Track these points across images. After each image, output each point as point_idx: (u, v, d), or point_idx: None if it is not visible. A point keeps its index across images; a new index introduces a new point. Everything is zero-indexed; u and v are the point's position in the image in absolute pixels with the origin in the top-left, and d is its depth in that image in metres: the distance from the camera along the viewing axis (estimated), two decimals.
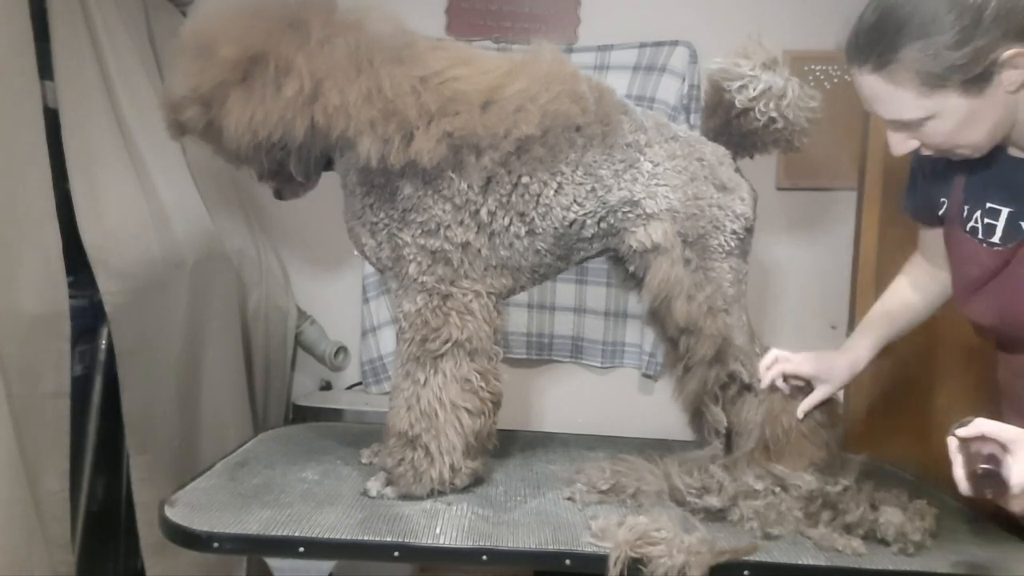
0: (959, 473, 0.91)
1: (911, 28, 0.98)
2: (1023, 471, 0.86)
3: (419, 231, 1.28)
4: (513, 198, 1.29)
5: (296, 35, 1.18)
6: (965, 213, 1.16)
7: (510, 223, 1.30)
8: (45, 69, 1.52)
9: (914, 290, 1.36)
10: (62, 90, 1.58)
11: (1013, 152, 1.10)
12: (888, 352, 2.11)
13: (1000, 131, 1.04)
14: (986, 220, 1.13)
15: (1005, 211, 1.10)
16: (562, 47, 2.18)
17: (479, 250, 1.30)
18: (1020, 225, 1.08)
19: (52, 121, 1.53)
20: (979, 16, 0.95)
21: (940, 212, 1.22)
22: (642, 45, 2.21)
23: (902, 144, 1.09)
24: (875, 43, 1.02)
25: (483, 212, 1.28)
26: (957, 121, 1.02)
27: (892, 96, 1.03)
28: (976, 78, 0.98)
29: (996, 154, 1.09)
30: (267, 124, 1.16)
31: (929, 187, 1.23)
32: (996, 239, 1.11)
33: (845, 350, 1.36)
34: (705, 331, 1.33)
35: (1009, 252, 1.09)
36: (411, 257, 1.29)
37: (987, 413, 0.93)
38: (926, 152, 1.10)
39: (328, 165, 1.36)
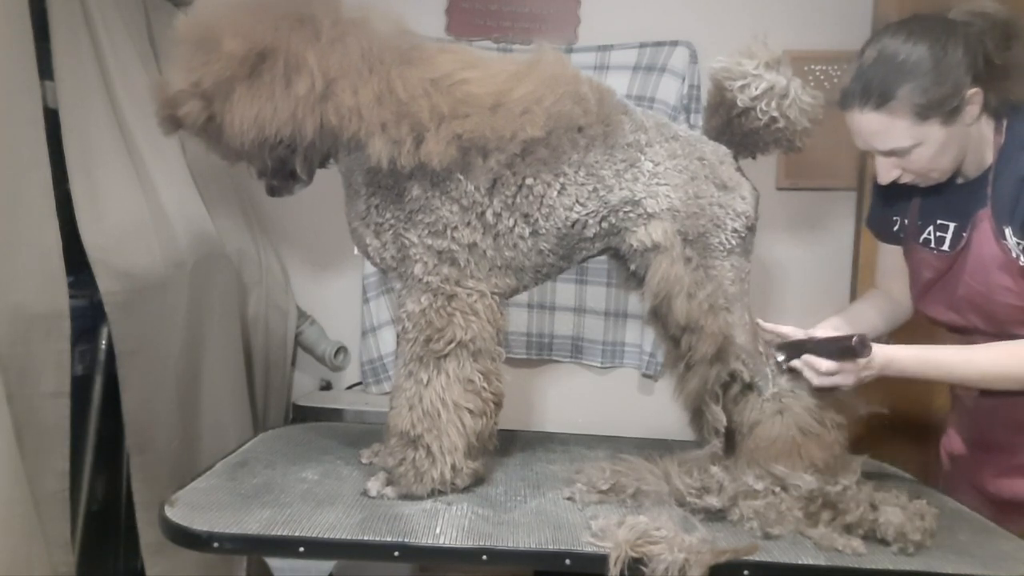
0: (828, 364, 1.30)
1: (903, 72, 1.24)
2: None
3: (426, 232, 1.28)
4: (518, 199, 1.29)
5: (305, 31, 1.16)
6: (920, 228, 1.43)
7: (515, 224, 1.30)
8: (45, 69, 1.52)
9: (875, 311, 1.56)
10: (62, 90, 1.57)
11: (959, 180, 1.37)
12: None
13: (959, 159, 1.32)
14: (937, 233, 1.40)
15: (952, 225, 1.37)
16: (562, 47, 2.19)
17: (485, 251, 1.30)
18: (963, 235, 1.35)
19: (52, 121, 1.53)
20: (950, 63, 1.24)
21: (895, 228, 1.50)
22: (642, 45, 2.21)
23: (890, 171, 1.34)
24: (874, 86, 1.26)
25: (489, 214, 1.28)
26: (936, 148, 1.28)
27: (889, 128, 1.27)
28: (953, 110, 1.25)
29: (946, 182, 1.36)
30: (275, 122, 1.15)
31: (885, 209, 1.51)
32: (946, 247, 1.38)
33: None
34: (706, 329, 1.32)
35: (953, 256, 1.36)
36: (417, 257, 1.29)
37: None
38: (906, 179, 1.35)
39: (323, 162, 1.36)
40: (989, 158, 1.32)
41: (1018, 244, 1.26)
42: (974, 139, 1.30)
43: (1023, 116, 1.30)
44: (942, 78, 1.23)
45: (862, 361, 1.28)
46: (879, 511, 1.19)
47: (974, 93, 1.25)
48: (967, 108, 1.26)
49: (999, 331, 1.33)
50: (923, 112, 1.25)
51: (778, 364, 1.38)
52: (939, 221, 1.40)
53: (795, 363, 1.35)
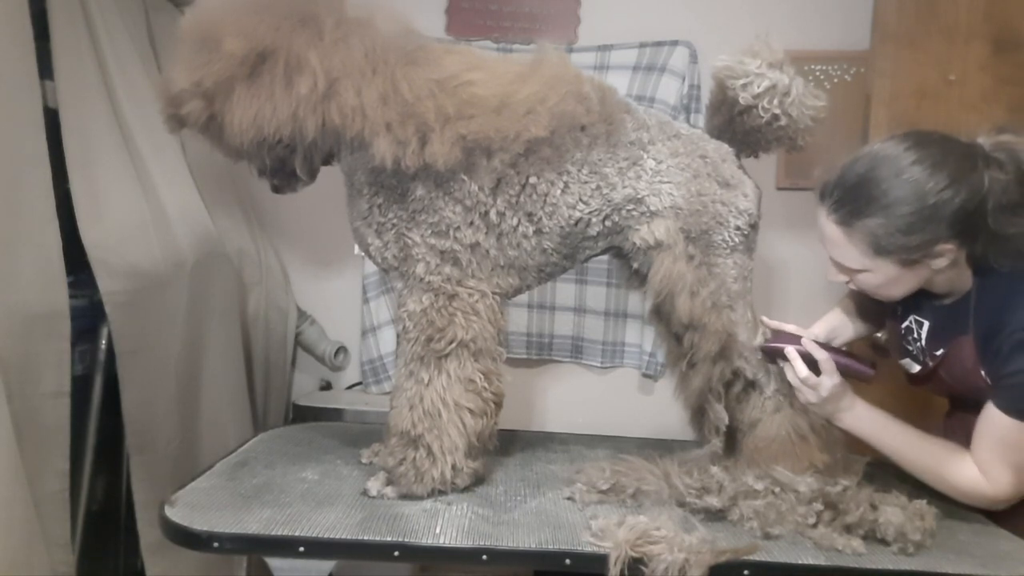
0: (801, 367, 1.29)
1: (877, 205, 1.16)
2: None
3: (429, 232, 1.28)
4: (521, 199, 1.29)
5: (307, 31, 1.17)
6: (900, 315, 1.40)
7: (518, 223, 1.30)
8: (45, 69, 1.52)
9: (858, 317, 1.53)
10: (62, 90, 1.57)
11: (936, 300, 1.32)
12: (887, 354, 2.12)
13: (915, 289, 1.26)
14: (913, 327, 1.37)
15: (927, 323, 1.35)
16: (562, 47, 2.18)
17: (488, 251, 1.30)
18: (937, 340, 1.32)
19: (52, 121, 1.53)
20: (932, 215, 1.14)
21: None
22: (642, 45, 2.21)
23: (838, 276, 1.30)
24: (846, 203, 1.20)
25: (492, 213, 1.28)
26: (885, 280, 1.23)
27: (843, 246, 1.23)
28: (916, 259, 1.18)
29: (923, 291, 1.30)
30: (275, 121, 1.15)
31: None
32: (922, 343, 1.36)
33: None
34: (709, 327, 1.33)
35: (935, 363, 1.32)
36: (420, 257, 1.29)
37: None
38: (853, 287, 1.31)
39: (326, 160, 1.36)
40: (965, 282, 1.27)
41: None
42: (945, 270, 1.22)
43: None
44: (915, 228, 1.15)
45: (829, 387, 1.27)
46: (879, 511, 1.19)
47: (949, 249, 1.17)
48: (936, 259, 1.18)
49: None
50: (880, 250, 1.19)
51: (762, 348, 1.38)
52: (915, 317, 1.37)
53: (789, 352, 1.32)
